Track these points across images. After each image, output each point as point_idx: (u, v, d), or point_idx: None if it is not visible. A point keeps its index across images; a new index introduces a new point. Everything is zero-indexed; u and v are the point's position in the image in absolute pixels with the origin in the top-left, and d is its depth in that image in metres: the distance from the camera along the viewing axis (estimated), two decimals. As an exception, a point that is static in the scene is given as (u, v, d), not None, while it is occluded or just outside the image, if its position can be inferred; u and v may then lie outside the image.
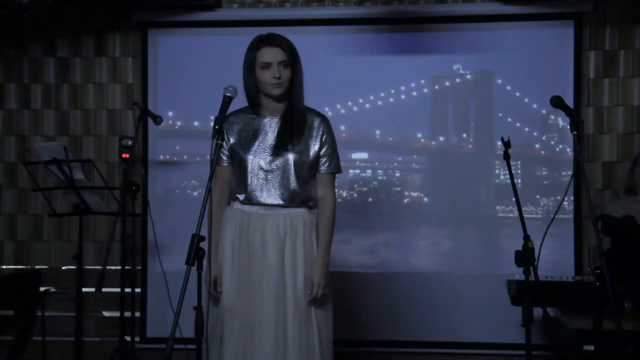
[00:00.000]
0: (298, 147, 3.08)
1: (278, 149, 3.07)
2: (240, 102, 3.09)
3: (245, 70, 3.10)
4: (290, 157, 3.07)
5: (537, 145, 4.92)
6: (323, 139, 3.12)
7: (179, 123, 5.11)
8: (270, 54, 3.04)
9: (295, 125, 3.08)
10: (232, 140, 3.11)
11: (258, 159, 3.08)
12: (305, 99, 3.14)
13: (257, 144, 3.10)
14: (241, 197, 3.11)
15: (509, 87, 4.90)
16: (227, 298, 3.06)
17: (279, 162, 3.08)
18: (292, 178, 3.07)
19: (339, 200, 4.96)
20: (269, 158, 3.08)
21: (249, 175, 3.08)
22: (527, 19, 4.86)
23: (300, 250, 3.07)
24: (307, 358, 3.01)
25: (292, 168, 3.07)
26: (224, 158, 3.13)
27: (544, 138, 4.93)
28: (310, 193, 3.13)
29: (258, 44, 3.08)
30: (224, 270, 3.09)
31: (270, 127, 3.11)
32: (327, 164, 3.14)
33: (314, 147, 3.11)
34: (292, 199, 3.08)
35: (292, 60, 3.08)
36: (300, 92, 3.11)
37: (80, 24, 5.17)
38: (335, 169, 3.16)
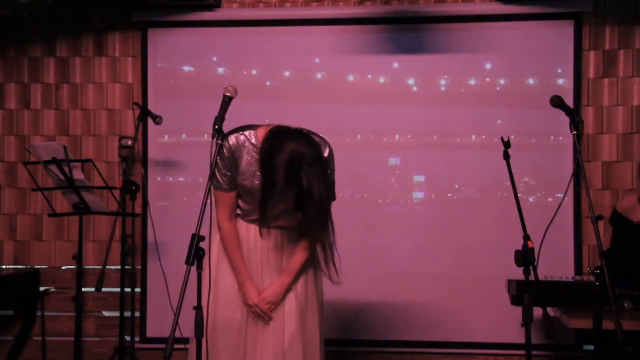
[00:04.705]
0: None
1: None
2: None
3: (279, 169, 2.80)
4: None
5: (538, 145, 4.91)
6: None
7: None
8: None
9: None
10: (237, 176, 3.00)
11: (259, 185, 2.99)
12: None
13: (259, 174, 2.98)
14: (243, 214, 3.10)
15: (509, 87, 4.90)
16: (229, 303, 3.05)
17: None
18: None
19: (339, 200, 4.95)
20: None
21: (253, 199, 3.03)
22: (527, 19, 4.87)
23: None
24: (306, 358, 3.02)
25: None
26: (225, 184, 3.03)
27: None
28: None
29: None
30: (225, 277, 3.09)
31: None
32: None
33: None
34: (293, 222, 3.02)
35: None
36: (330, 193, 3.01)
37: (80, 24, 5.17)
38: (332, 197, 3.10)
